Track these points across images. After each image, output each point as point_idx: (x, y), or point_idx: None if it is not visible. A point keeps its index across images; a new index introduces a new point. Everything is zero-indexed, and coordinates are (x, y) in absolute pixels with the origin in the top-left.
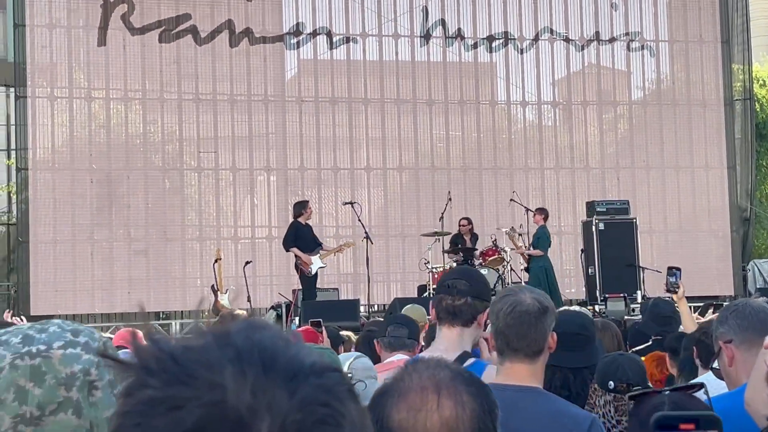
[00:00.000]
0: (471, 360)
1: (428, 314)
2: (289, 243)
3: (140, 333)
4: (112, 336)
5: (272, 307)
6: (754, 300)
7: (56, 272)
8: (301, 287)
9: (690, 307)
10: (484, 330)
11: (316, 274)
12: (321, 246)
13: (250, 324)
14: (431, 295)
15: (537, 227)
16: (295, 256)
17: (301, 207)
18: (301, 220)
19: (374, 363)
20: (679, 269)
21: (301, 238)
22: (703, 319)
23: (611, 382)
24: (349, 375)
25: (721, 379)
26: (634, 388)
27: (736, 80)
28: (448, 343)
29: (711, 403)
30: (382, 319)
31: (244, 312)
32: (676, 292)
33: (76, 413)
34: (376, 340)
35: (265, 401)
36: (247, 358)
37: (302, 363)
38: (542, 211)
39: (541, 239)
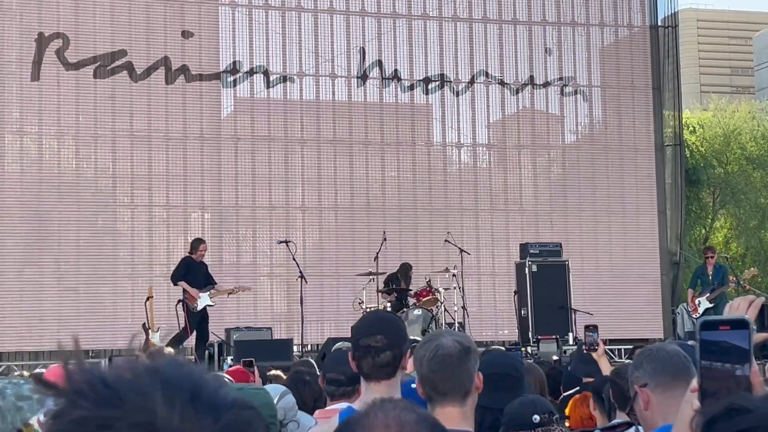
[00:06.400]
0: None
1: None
2: (177, 276)
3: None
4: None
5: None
6: (668, 344)
7: None
8: (185, 323)
9: (621, 349)
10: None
11: (205, 311)
12: (214, 285)
13: (177, 359)
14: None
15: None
16: (183, 290)
17: (197, 244)
18: (193, 256)
19: (304, 405)
20: (596, 327)
21: (191, 273)
22: None
23: (536, 416)
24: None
25: (638, 423)
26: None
27: (666, 126)
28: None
29: None
30: (310, 360)
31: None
32: (595, 350)
33: None
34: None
35: (192, 426)
36: (176, 387)
37: (225, 397)
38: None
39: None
